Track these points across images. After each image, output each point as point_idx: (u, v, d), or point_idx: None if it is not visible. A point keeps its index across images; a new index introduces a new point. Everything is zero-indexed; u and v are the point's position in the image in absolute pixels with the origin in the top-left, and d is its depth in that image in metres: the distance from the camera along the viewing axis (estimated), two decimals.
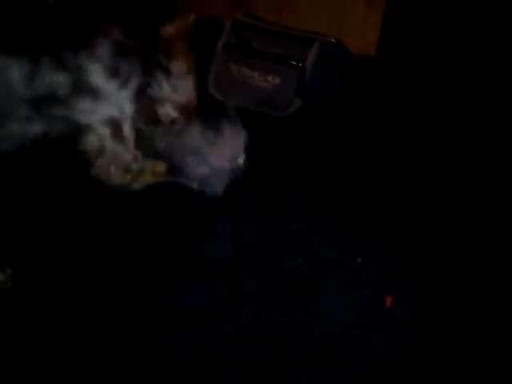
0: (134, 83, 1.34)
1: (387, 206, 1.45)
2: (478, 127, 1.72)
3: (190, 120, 1.43)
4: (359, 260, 1.29)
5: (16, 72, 1.27)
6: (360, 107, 1.81)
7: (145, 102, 1.37)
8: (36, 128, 1.30)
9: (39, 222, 1.31)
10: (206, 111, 1.47)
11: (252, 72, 1.75)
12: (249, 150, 1.61)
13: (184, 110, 1.43)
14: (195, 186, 1.44)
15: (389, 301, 1.20)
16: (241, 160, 1.49)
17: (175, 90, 1.38)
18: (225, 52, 1.79)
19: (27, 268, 1.21)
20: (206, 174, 1.42)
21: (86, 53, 1.30)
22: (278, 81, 1.74)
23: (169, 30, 1.44)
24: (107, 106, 1.33)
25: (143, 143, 1.41)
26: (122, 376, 1.06)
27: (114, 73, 1.33)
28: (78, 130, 1.35)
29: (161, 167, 1.47)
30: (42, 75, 1.27)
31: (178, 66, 1.38)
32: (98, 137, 1.37)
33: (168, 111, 1.40)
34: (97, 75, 1.30)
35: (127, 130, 1.38)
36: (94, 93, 1.32)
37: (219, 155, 1.44)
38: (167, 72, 1.37)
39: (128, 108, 1.35)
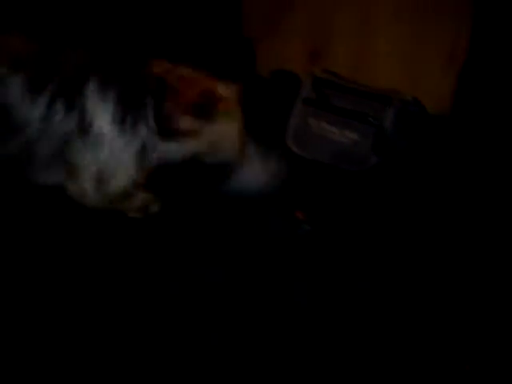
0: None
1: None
2: None
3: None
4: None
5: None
6: (434, 166, 1.83)
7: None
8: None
9: None
10: None
11: (330, 127, 1.80)
12: (323, 201, 1.66)
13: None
14: None
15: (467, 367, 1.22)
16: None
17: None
18: (304, 106, 1.85)
19: None
20: None
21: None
22: (355, 137, 1.78)
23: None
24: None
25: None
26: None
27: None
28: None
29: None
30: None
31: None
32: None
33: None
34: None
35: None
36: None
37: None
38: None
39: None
